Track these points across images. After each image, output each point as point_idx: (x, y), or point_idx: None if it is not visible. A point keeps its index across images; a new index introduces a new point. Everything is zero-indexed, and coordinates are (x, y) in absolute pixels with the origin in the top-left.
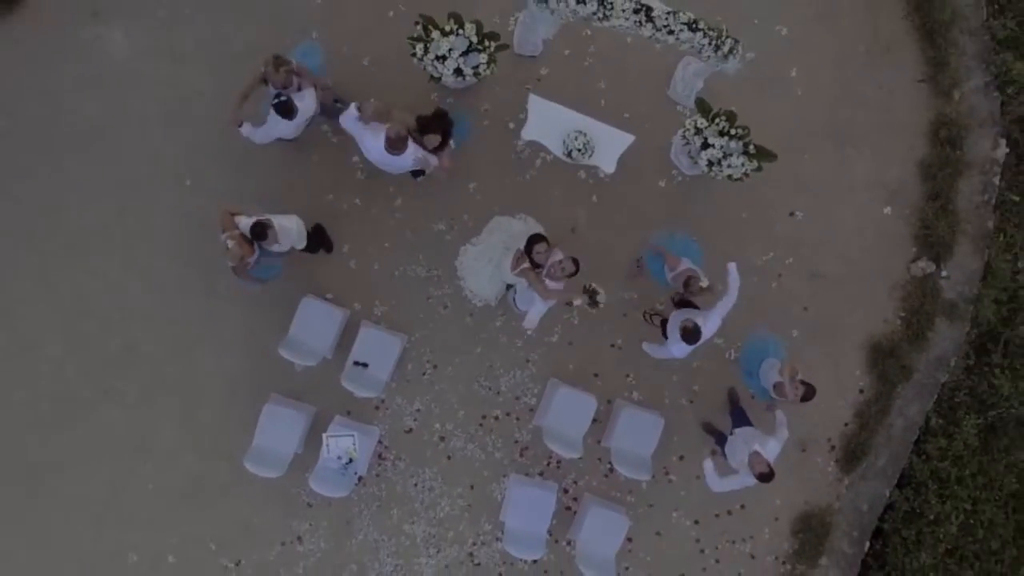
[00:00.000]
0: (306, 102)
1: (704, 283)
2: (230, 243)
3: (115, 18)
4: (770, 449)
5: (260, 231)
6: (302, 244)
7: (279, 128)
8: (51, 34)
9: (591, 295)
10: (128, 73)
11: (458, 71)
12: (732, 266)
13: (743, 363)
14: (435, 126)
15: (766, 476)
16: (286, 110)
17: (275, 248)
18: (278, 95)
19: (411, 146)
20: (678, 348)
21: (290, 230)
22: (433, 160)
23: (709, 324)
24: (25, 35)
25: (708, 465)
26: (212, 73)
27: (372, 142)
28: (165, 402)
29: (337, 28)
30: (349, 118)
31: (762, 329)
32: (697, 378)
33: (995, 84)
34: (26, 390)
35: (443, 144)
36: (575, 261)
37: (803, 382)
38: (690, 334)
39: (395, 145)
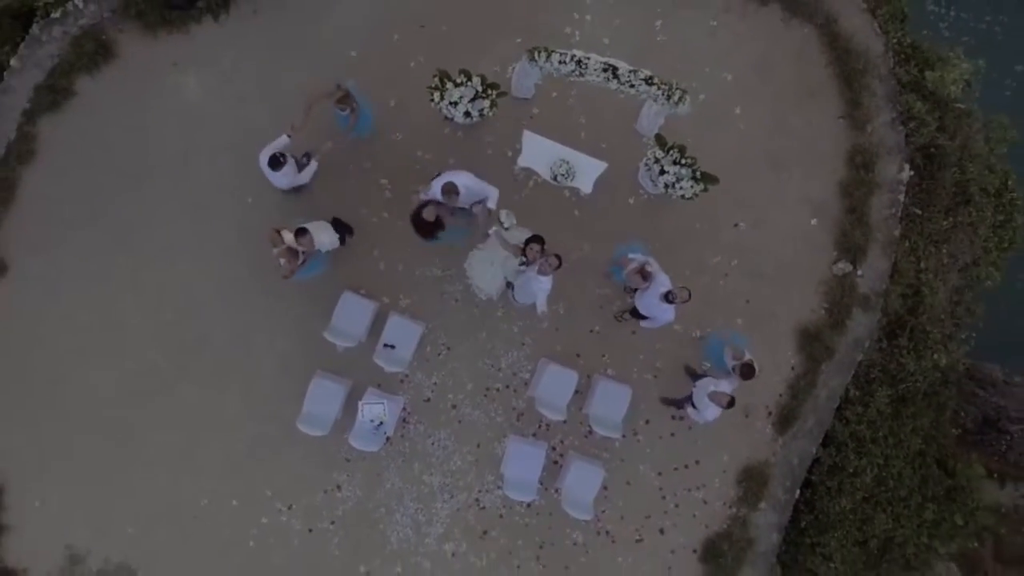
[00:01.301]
0: (286, 179)
1: (650, 267)
2: (282, 260)
3: (190, 67)
4: (723, 387)
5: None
6: (335, 244)
7: (266, 165)
8: (138, 81)
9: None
10: (201, 112)
11: (467, 113)
12: (634, 256)
13: (711, 357)
14: (428, 224)
15: (731, 403)
16: (274, 163)
17: (319, 249)
18: (282, 154)
19: (432, 201)
20: (667, 314)
21: (322, 241)
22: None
23: (664, 280)
24: (117, 82)
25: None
26: (268, 110)
27: (451, 176)
28: (231, 377)
29: (368, 75)
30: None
31: (719, 328)
32: (659, 357)
33: (900, 119)
34: (120, 370)
35: (422, 231)
36: (558, 257)
37: (745, 364)
38: (670, 299)
39: (447, 193)
